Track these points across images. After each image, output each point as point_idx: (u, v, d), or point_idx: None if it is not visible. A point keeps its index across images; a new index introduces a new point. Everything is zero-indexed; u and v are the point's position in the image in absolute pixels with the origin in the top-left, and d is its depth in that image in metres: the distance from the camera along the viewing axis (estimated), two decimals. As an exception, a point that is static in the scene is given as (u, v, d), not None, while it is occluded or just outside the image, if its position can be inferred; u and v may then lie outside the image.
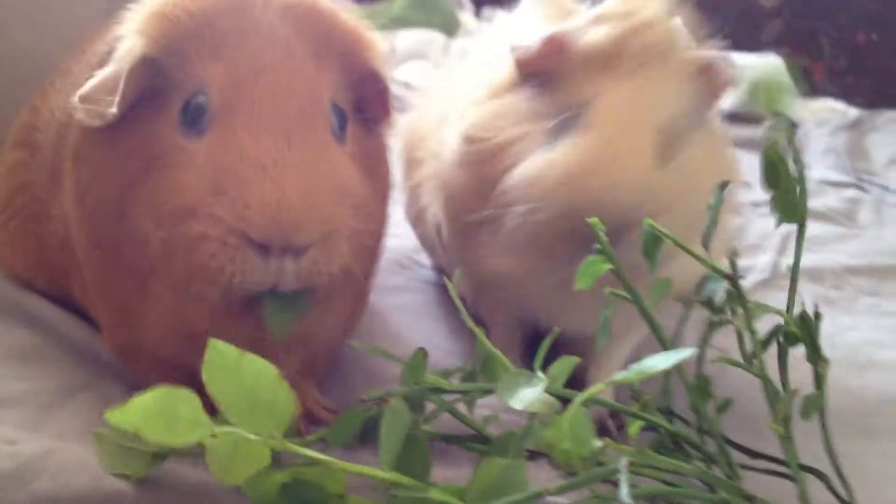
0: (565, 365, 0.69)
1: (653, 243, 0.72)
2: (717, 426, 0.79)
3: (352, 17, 0.83)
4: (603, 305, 0.77)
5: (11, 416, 0.81)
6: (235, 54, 0.73)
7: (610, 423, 0.92)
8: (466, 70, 1.11)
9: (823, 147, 2.14)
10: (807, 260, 1.40)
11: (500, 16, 1.24)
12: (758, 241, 1.58)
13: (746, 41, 2.55)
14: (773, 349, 0.80)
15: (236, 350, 0.57)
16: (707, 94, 0.89)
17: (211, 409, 0.60)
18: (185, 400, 0.58)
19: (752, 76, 2.33)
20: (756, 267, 1.46)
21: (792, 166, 0.79)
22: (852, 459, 0.81)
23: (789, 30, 2.67)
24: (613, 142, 0.80)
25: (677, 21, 0.88)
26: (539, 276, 0.84)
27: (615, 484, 0.60)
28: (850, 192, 1.89)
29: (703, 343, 0.82)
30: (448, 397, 0.77)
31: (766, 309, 0.77)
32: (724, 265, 0.79)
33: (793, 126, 0.76)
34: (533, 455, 0.78)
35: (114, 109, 0.73)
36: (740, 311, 0.77)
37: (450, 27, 2.79)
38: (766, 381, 0.75)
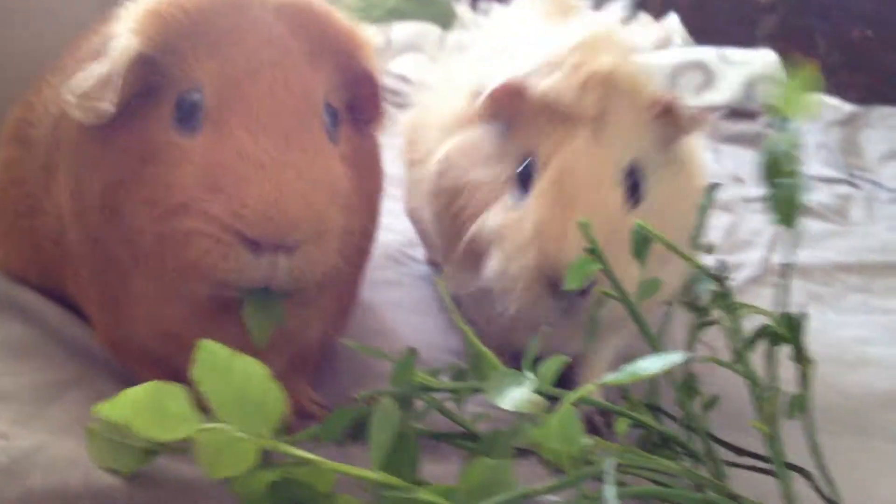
0: (554, 365, 0.69)
1: (642, 244, 0.73)
2: (703, 424, 0.79)
3: (346, 18, 0.83)
4: (580, 335, 0.80)
5: (4, 411, 0.82)
6: (231, 52, 0.74)
7: (598, 420, 0.93)
8: (465, 66, 1.11)
9: (816, 143, 2.14)
10: (797, 256, 1.41)
11: (496, 9, 1.24)
12: (749, 237, 1.59)
13: (741, 37, 2.56)
14: (763, 346, 0.81)
15: (227, 349, 0.58)
16: (672, 133, 0.90)
17: (201, 404, 0.60)
18: (175, 395, 0.59)
19: (748, 72, 2.34)
20: (746, 263, 1.46)
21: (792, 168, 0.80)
22: (840, 457, 0.82)
23: (784, 26, 2.67)
24: (576, 198, 0.82)
25: (635, 66, 0.89)
26: (518, 314, 0.85)
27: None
28: (842, 189, 1.89)
29: (691, 342, 0.83)
30: (439, 395, 0.78)
31: (752, 310, 0.78)
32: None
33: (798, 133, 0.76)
34: (523, 453, 0.78)
35: (110, 107, 0.73)
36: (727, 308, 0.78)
37: (446, 19, 2.79)
38: (753, 381, 0.76)
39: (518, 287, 0.82)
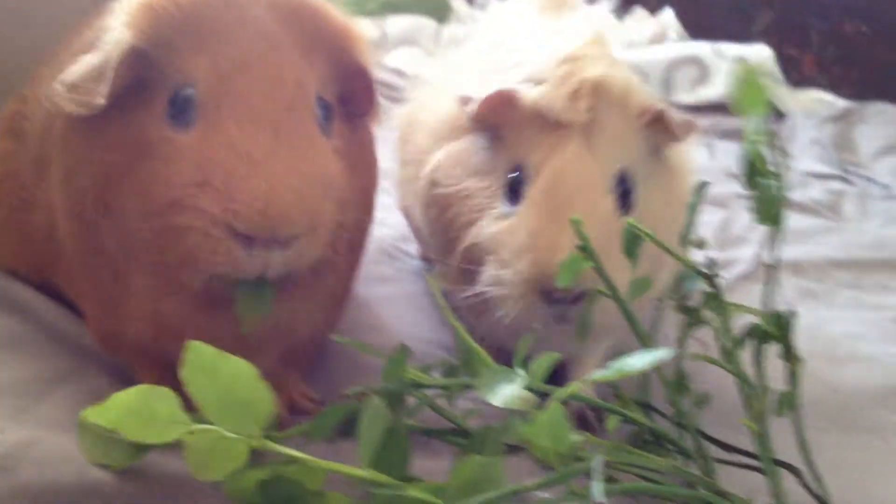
0: (545, 362, 0.69)
1: (633, 243, 0.73)
2: (694, 421, 0.80)
3: (339, 12, 0.83)
4: (573, 339, 0.81)
5: (-4, 405, 0.82)
6: (223, 47, 0.74)
7: (590, 416, 0.93)
8: (459, 63, 1.12)
9: (810, 138, 2.14)
10: (790, 253, 1.42)
11: (493, 3, 1.25)
12: (742, 233, 1.59)
13: (737, 32, 2.56)
14: (754, 343, 0.81)
15: (214, 350, 0.58)
16: (662, 140, 0.90)
17: (191, 403, 0.61)
18: (164, 398, 0.59)
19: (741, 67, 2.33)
20: (740, 259, 1.47)
21: (773, 166, 0.80)
22: (829, 453, 0.83)
23: (779, 21, 2.67)
24: (567, 207, 0.82)
25: (625, 73, 0.90)
26: (512, 321, 0.86)
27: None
28: (835, 185, 1.89)
29: (682, 340, 0.84)
30: (430, 391, 0.78)
31: (742, 309, 0.79)
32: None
33: (772, 128, 0.76)
34: (514, 449, 0.79)
35: (101, 99, 0.73)
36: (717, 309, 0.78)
37: (441, 13, 2.78)
38: (742, 379, 0.77)
39: (512, 295, 0.83)
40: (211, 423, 0.59)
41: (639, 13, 2.75)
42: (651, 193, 0.88)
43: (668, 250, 0.77)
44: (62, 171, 0.81)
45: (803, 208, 1.72)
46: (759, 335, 0.77)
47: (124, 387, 0.64)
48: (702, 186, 0.79)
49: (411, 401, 0.77)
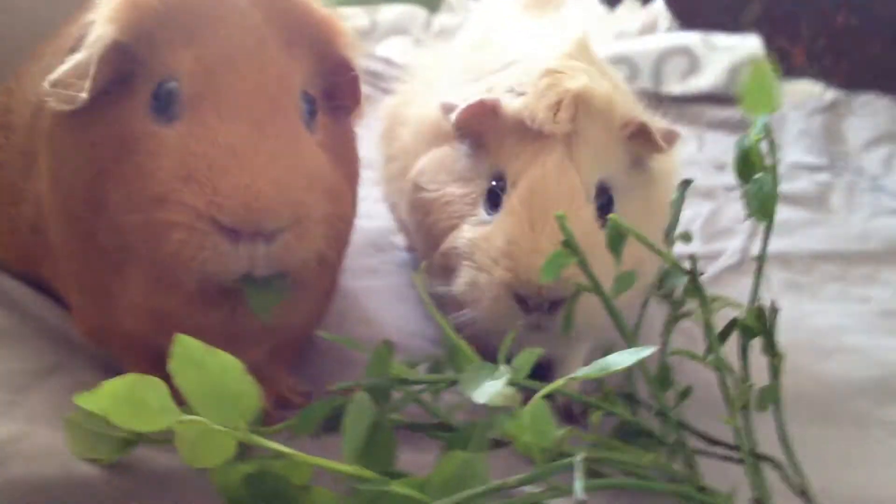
0: (529, 357, 0.70)
1: (617, 240, 0.74)
2: (676, 415, 0.81)
3: (323, 6, 0.83)
4: (554, 342, 0.82)
5: (-16, 399, 0.82)
6: (207, 41, 0.74)
7: (576, 409, 0.94)
8: (447, 58, 1.12)
9: (799, 129, 2.15)
10: (776, 245, 1.42)
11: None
12: (730, 224, 1.59)
13: (726, 22, 2.56)
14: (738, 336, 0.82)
15: (202, 345, 0.58)
16: (645, 151, 0.91)
17: (180, 396, 0.61)
18: (154, 387, 0.59)
19: (733, 58, 2.34)
20: (726, 251, 1.48)
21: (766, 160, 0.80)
22: (812, 444, 0.83)
23: (769, 11, 2.67)
24: (546, 216, 0.82)
25: (607, 87, 0.90)
26: (490, 324, 0.86)
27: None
28: (823, 176, 1.90)
29: (666, 334, 0.84)
30: (415, 386, 0.78)
31: (725, 303, 0.79)
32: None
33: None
34: (499, 443, 0.79)
35: (84, 94, 0.73)
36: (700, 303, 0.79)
37: (433, 3, 2.78)
38: (723, 374, 0.77)
39: (488, 300, 0.83)
40: (198, 416, 0.59)
41: (629, 3, 2.75)
42: (632, 204, 0.88)
43: (651, 245, 0.77)
44: (49, 167, 0.81)
45: (791, 200, 1.72)
46: (741, 330, 0.77)
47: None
48: (686, 184, 0.79)
49: (397, 395, 0.78)
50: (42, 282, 0.97)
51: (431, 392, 0.78)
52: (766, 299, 0.81)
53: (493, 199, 0.88)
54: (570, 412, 0.93)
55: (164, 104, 0.73)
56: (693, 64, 2.38)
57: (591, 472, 0.73)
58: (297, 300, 0.80)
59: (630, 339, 0.77)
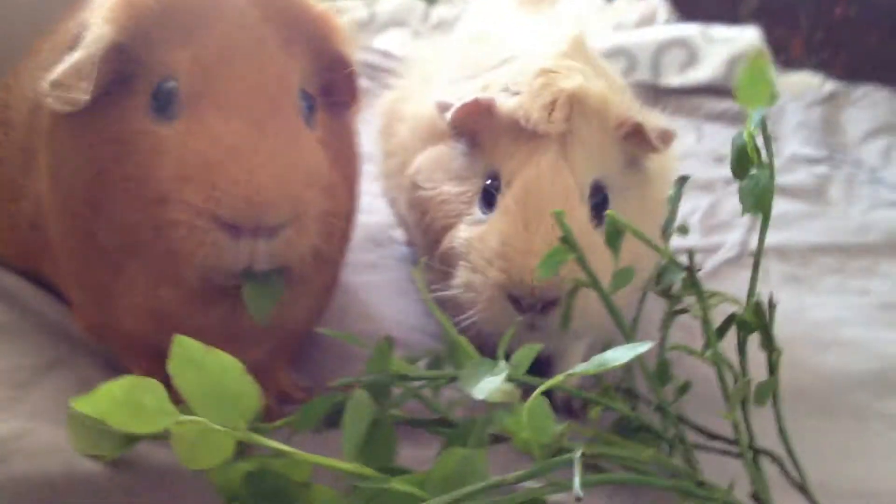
0: (528, 353, 0.70)
1: (615, 236, 0.74)
2: (675, 410, 0.81)
3: (319, 3, 0.83)
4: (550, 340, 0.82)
5: (-15, 395, 0.82)
6: (204, 40, 0.74)
7: (576, 404, 0.94)
8: (444, 53, 1.12)
9: (798, 121, 2.15)
10: (775, 238, 1.43)
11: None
12: (729, 217, 1.59)
13: (725, 14, 2.55)
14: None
15: (201, 345, 0.59)
16: (641, 150, 0.91)
17: (178, 397, 0.61)
18: (151, 389, 0.60)
19: (731, 50, 2.34)
20: (726, 244, 1.48)
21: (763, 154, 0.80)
22: (810, 437, 0.84)
23: (767, 3, 2.67)
24: (540, 216, 0.82)
25: (601, 87, 0.90)
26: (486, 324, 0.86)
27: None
28: (822, 169, 1.90)
29: (664, 329, 0.85)
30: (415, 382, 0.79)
31: (722, 298, 0.80)
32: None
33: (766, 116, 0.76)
34: (499, 438, 0.80)
35: (84, 95, 0.73)
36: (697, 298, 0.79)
37: (430, -6, 2.77)
38: (720, 369, 0.78)
39: (483, 301, 0.84)
40: (198, 416, 0.59)
41: (628, -5, 2.75)
42: (627, 203, 0.88)
43: (648, 241, 0.78)
44: (49, 165, 0.82)
45: (789, 192, 1.72)
46: (739, 325, 0.78)
47: (113, 375, 0.64)
48: (683, 180, 0.80)
49: (397, 391, 0.78)
50: (42, 278, 0.97)
51: (431, 388, 0.78)
52: (764, 293, 0.81)
53: (488, 199, 0.88)
54: (569, 407, 0.93)
55: (163, 103, 0.74)
56: (691, 56, 2.37)
57: (591, 467, 0.74)
58: (296, 297, 0.80)
59: (628, 334, 0.77)
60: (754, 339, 0.81)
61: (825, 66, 2.52)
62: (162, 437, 0.67)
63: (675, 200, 0.80)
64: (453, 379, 0.75)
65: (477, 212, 0.89)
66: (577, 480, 0.57)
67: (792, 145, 2.00)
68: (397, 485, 0.58)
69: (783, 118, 2.18)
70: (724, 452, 0.82)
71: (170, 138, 0.72)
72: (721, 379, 0.79)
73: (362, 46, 2.29)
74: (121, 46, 0.74)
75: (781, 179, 1.75)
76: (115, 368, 0.86)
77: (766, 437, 0.80)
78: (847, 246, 1.52)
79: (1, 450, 0.73)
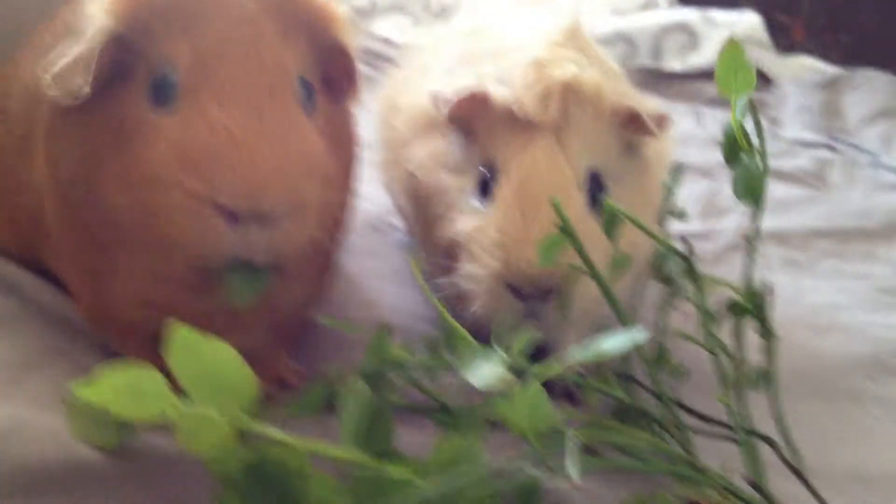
0: (525, 339, 0.71)
1: (612, 223, 0.74)
2: (671, 395, 0.81)
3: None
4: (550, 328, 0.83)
5: (-16, 383, 0.82)
6: (203, 30, 0.74)
7: (574, 389, 0.94)
8: (442, 43, 1.12)
9: (798, 105, 2.14)
10: (774, 222, 1.43)
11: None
12: (728, 202, 1.59)
13: (726, -2, 2.55)
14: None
15: (197, 333, 0.59)
16: (637, 137, 0.91)
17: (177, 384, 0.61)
18: (151, 377, 0.60)
19: (731, 34, 2.33)
20: (725, 230, 1.48)
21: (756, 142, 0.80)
22: (806, 420, 0.84)
23: (769, -13, 2.67)
24: (537, 205, 0.83)
25: (596, 75, 0.90)
26: (487, 314, 0.87)
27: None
28: (822, 153, 1.90)
29: (661, 315, 0.85)
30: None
31: (719, 283, 0.80)
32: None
33: (756, 101, 0.76)
34: (496, 423, 0.80)
35: (85, 87, 0.73)
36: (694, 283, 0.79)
37: (431, -20, 2.76)
38: (717, 354, 0.78)
39: (483, 291, 0.84)
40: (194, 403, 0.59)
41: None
42: (624, 191, 0.89)
43: (644, 228, 0.78)
44: (49, 155, 0.82)
45: (789, 177, 1.73)
46: (735, 310, 0.78)
47: (113, 364, 0.64)
48: (679, 168, 0.80)
49: (395, 377, 0.79)
50: (42, 267, 0.98)
51: (428, 375, 0.79)
52: (763, 277, 0.81)
53: (485, 189, 0.88)
54: (567, 393, 0.94)
55: (162, 93, 0.74)
56: (692, 40, 2.37)
57: (588, 452, 0.74)
58: (290, 284, 0.80)
59: (625, 321, 0.78)
60: (752, 323, 0.82)
61: (826, 50, 2.52)
62: (161, 425, 0.67)
63: (671, 188, 0.80)
64: (450, 366, 0.75)
65: (474, 202, 0.89)
66: (572, 466, 0.57)
67: (792, 130, 2.00)
68: (395, 471, 0.59)
69: (783, 102, 2.17)
70: (721, 437, 0.83)
71: (168, 127, 0.72)
72: (718, 364, 0.79)
73: (363, 33, 2.29)
74: (120, 37, 0.74)
75: (781, 164, 1.76)
76: (114, 357, 0.86)
77: (762, 421, 0.80)
78: (846, 230, 1.52)
79: (1, 438, 0.73)
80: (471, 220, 0.88)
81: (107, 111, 0.75)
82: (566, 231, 0.74)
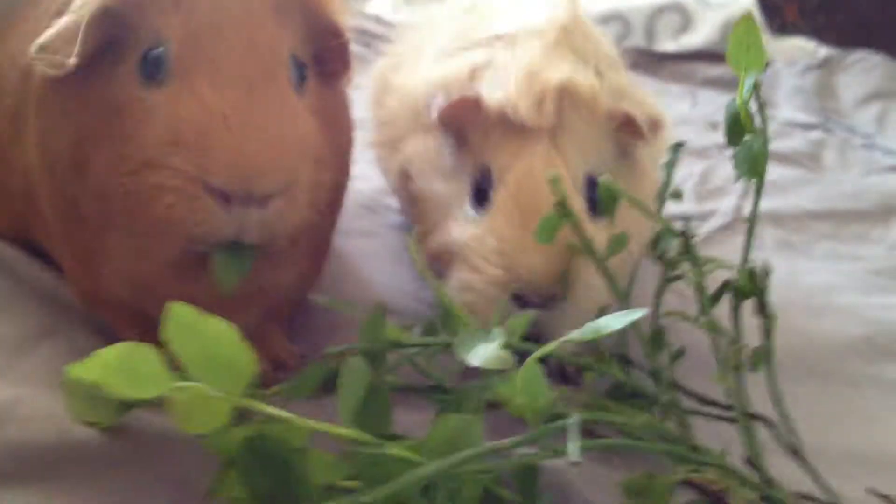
0: (523, 320, 0.70)
1: (610, 200, 0.74)
2: (669, 376, 0.81)
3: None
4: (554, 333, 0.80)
5: (-21, 363, 0.82)
6: (194, 7, 0.73)
7: (570, 370, 0.94)
8: (436, 21, 1.11)
9: (792, 87, 2.14)
10: (768, 204, 1.43)
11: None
12: (722, 183, 1.59)
13: (719, -22, 2.54)
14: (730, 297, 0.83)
15: (195, 311, 0.58)
16: (630, 140, 0.90)
17: (174, 363, 0.61)
18: (147, 355, 0.59)
19: (726, 15, 2.33)
20: (719, 210, 1.48)
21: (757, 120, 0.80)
22: (802, 402, 0.84)
23: (762, -33, 2.66)
24: (536, 210, 0.81)
25: (590, 78, 0.89)
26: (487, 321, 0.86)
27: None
28: (816, 134, 1.90)
29: (658, 296, 0.85)
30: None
31: (717, 264, 0.80)
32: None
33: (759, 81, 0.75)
34: (495, 403, 0.80)
35: (73, 59, 0.72)
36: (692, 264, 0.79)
37: (422, -41, 2.75)
38: (715, 335, 0.78)
39: (485, 301, 0.83)
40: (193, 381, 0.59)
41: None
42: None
43: (642, 207, 0.78)
44: (39, 133, 0.81)
45: (784, 158, 1.72)
46: (734, 291, 0.78)
47: (108, 343, 0.64)
48: (677, 147, 0.79)
49: (392, 356, 0.78)
50: (35, 246, 0.97)
51: (425, 355, 0.79)
52: (758, 258, 0.81)
53: (480, 195, 0.87)
54: (563, 373, 0.93)
55: (153, 70, 0.73)
56: (686, 21, 2.37)
57: (585, 433, 0.74)
58: (283, 264, 0.80)
59: (623, 300, 0.78)
60: (747, 305, 0.82)
61: (819, 31, 2.52)
62: (157, 404, 0.67)
63: (670, 168, 0.80)
64: (448, 346, 0.75)
65: (469, 209, 0.88)
66: (572, 446, 0.57)
67: (786, 111, 2.00)
68: (394, 450, 0.58)
69: (777, 84, 2.17)
70: (718, 418, 0.83)
71: (159, 104, 0.72)
72: (715, 345, 0.79)
73: (354, 12, 2.27)
74: (111, 11, 0.73)
75: (776, 145, 1.74)
76: (108, 336, 0.86)
77: (759, 402, 0.80)
78: (841, 211, 1.52)
79: (-4, 417, 0.73)
80: (466, 229, 0.86)
81: (98, 88, 0.75)
82: (564, 209, 0.74)
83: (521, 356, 0.66)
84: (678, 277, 0.84)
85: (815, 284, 1.27)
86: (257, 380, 0.63)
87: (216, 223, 0.71)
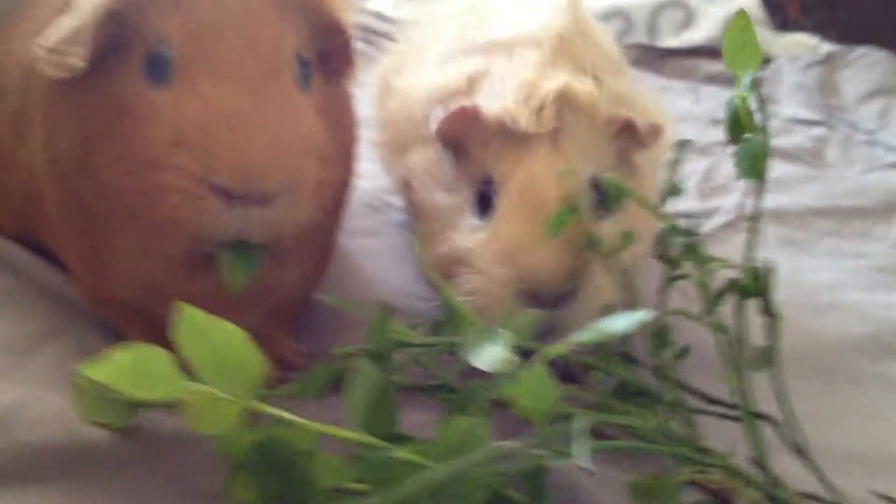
0: (529, 320, 0.70)
1: (616, 197, 0.74)
2: (674, 375, 0.81)
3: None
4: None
5: (-14, 363, 0.82)
6: (194, 6, 0.73)
7: (575, 369, 0.94)
8: (438, 20, 1.11)
9: (795, 83, 2.14)
10: (771, 201, 1.43)
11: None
12: (726, 181, 1.59)
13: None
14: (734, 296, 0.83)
15: (204, 314, 0.59)
16: (632, 146, 0.90)
17: (184, 364, 0.61)
18: (157, 357, 0.60)
19: (728, 11, 2.32)
20: (722, 208, 1.47)
21: (757, 118, 0.80)
22: (809, 401, 0.84)
23: (764, -37, 2.65)
24: (543, 211, 0.82)
25: (589, 84, 0.89)
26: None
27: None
28: (819, 131, 1.89)
29: (663, 293, 0.85)
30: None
31: (721, 264, 0.80)
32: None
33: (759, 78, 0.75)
34: (501, 403, 0.80)
35: (80, 62, 0.72)
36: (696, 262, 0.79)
37: (424, -45, 2.74)
38: (720, 334, 0.78)
39: (496, 304, 0.82)
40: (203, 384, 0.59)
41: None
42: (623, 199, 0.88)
43: (647, 205, 0.78)
44: (44, 133, 0.81)
45: (786, 155, 1.72)
46: (738, 290, 0.78)
47: (114, 342, 0.64)
48: (683, 144, 0.79)
49: (398, 356, 0.78)
50: (41, 246, 0.97)
51: (431, 354, 0.79)
52: (761, 256, 0.81)
53: (484, 204, 0.87)
54: (568, 372, 0.93)
55: (157, 69, 0.73)
56: (688, 17, 2.36)
57: (591, 433, 0.74)
58: (288, 264, 0.80)
59: (633, 298, 0.78)
60: (751, 302, 0.82)
61: (822, 27, 2.51)
62: (167, 406, 0.67)
63: (675, 165, 0.80)
64: (453, 346, 0.75)
65: (472, 219, 0.88)
66: (578, 450, 0.57)
67: (788, 107, 1.99)
68: (401, 453, 0.59)
69: (779, 80, 2.17)
70: (723, 416, 0.83)
71: (163, 104, 0.72)
72: (719, 344, 0.79)
73: (356, 9, 2.27)
74: (115, 12, 0.73)
75: (778, 142, 1.75)
76: (115, 336, 0.86)
77: (763, 400, 0.80)
78: (844, 208, 1.51)
79: (4, 418, 0.73)
80: (471, 236, 0.86)
81: (102, 88, 0.75)
82: (570, 205, 0.74)
83: (528, 355, 0.66)
84: (682, 276, 0.84)
85: (819, 282, 1.26)
86: (265, 381, 0.63)
87: (220, 222, 0.71)
